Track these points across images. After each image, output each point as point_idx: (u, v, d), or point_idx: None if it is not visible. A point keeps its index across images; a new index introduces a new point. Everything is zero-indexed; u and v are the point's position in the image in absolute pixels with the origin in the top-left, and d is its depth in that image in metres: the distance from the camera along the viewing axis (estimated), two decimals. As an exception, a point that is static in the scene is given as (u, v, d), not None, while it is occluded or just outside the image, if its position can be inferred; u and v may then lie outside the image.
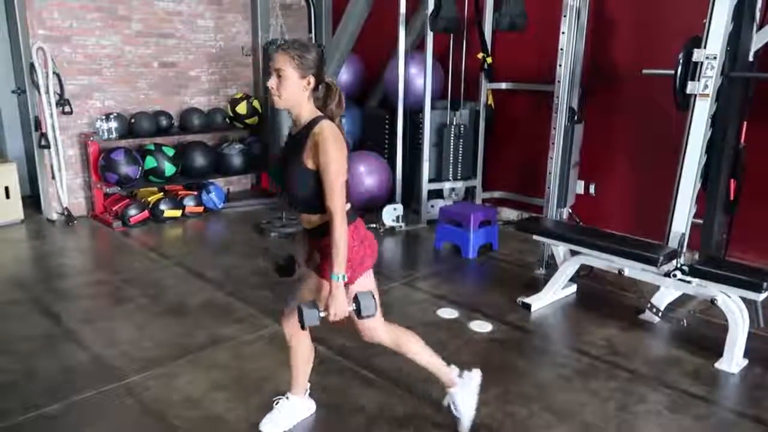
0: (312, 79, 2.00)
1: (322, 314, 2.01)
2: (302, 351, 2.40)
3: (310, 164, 1.98)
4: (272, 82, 1.99)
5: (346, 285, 2.03)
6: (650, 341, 3.26)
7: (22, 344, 3.13)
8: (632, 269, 3.33)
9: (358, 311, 2.03)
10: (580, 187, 4.79)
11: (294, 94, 1.99)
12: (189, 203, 5.52)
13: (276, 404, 2.48)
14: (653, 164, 4.41)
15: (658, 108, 4.17)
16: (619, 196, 4.75)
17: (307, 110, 2.04)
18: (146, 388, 2.72)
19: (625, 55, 4.52)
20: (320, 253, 2.11)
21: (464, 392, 2.40)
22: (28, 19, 4.98)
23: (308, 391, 2.50)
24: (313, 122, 2.01)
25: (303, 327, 2.04)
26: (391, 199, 5.34)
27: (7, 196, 5.17)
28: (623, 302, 3.70)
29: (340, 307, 2.00)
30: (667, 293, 3.40)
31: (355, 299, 2.04)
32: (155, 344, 3.13)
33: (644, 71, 3.83)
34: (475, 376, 2.47)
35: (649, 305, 3.37)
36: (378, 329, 2.24)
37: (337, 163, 1.95)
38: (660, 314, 3.33)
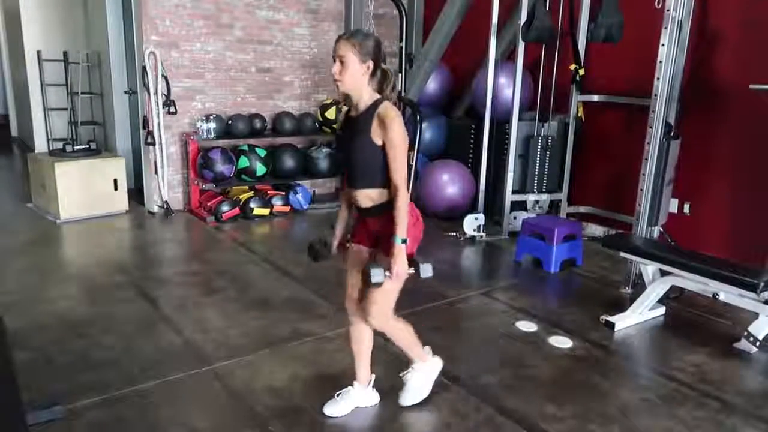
0: (371, 64, 2.18)
1: (387, 274, 2.18)
2: (361, 336, 2.52)
3: (377, 140, 2.17)
4: (335, 68, 2.18)
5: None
6: (746, 372, 3.06)
7: (125, 325, 3.38)
8: (728, 294, 3.15)
9: (417, 273, 2.25)
10: (674, 205, 4.58)
11: (355, 78, 2.18)
12: (277, 203, 5.76)
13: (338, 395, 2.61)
14: (756, 185, 4.14)
15: (765, 126, 3.93)
16: (717, 217, 4.49)
17: (367, 93, 2.23)
18: (232, 373, 2.87)
19: (730, 69, 4.29)
20: (380, 231, 2.27)
21: (426, 372, 2.62)
22: (144, 26, 5.40)
23: (372, 383, 2.60)
24: (375, 104, 2.21)
25: (369, 285, 2.21)
26: (473, 209, 5.33)
27: (116, 188, 5.60)
28: (716, 329, 3.50)
29: (402, 267, 2.20)
30: (766, 322, 3.19)
31: (414, 263, 2.24)
32: (242, 333, 3.29)
33: (751, 86, 3.63)
34: (439, 362, 2.68)
35: (745, 334, 3.18)
36: (388, 316, 2.39)
37: (402, 139, 2.17)
38: (758, 344, 3.13)
